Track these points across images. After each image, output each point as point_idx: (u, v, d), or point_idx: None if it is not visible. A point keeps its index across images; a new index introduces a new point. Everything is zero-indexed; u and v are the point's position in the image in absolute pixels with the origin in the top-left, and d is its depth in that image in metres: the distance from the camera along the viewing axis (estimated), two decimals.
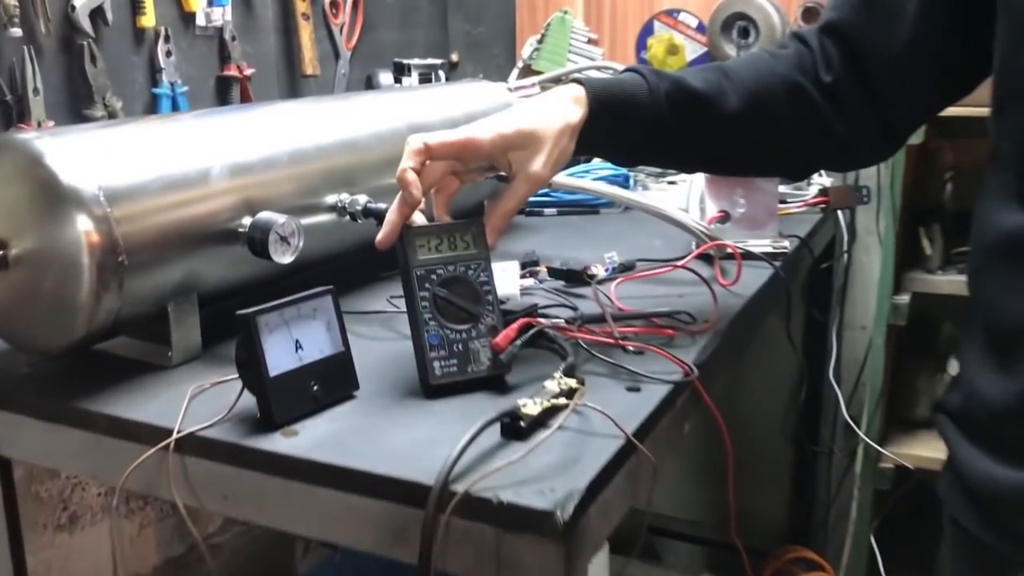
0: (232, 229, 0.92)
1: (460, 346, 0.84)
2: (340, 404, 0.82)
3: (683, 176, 1.67)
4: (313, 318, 0.81)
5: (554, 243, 1.35)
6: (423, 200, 0.85)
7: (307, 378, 0.80)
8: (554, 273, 1.15)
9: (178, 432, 0.77)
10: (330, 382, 0.81)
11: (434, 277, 0.84)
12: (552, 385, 0.80)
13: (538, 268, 1.17)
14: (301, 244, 0.94)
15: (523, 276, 1.15)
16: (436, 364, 0.83)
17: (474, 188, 0.95)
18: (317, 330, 0.82)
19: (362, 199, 1.05)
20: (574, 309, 1.03)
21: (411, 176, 0.83)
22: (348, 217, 1.05)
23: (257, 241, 0.91)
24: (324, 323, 0.82)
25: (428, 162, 0.85)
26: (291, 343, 0.79)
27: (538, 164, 0.86)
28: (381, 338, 0.99)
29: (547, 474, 0.69)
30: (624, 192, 1.26)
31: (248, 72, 1.53)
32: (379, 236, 0.84)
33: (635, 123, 0.90)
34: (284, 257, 0.93)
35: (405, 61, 1.63)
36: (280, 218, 0.92)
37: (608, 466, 0.72)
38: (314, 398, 0.80)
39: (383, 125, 1.15)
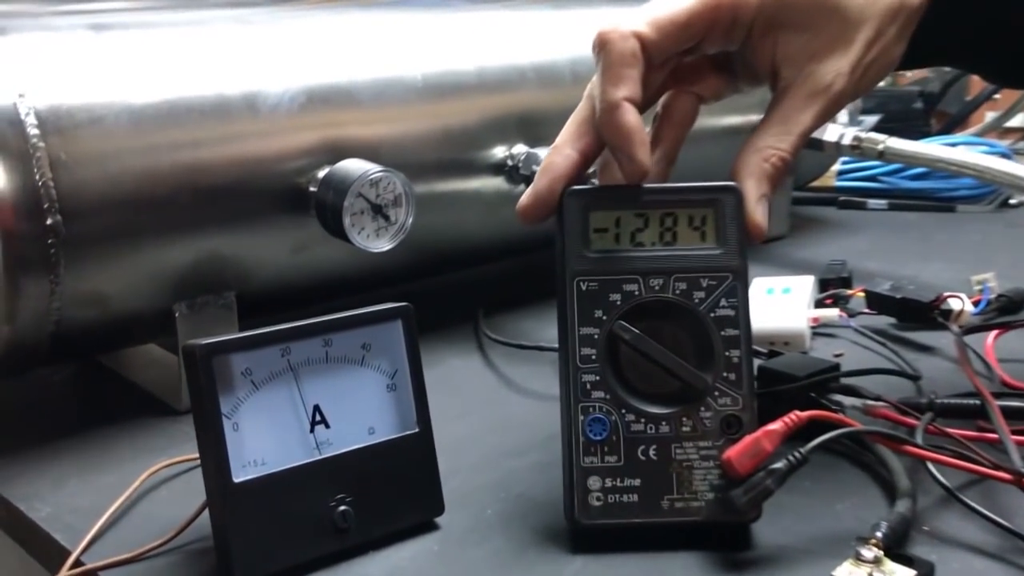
0: (301, 188, 0.54)
1: (652, 451, 0.40)
2: (395, 543, 0.41)
3: None
4: (358, 364, 0.40)
5: (881, 253, 0.84)
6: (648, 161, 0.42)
7: (326, 488, 0.39)
8: (878, 302, 0.66)
9: (71, 567, 0.39)
10: (379, 497, 0.40)
11: (616, 298, 0.40)
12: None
13: (849, 292, 0.69)
14: (410, 220, 0.54)
15: (822, 303, 0.68)
16: (594, 483, 0.39)
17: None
18: (364, 389, 0.40)
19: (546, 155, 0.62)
20: (914, 378, 0.55)
21: (632, 118, 0.40)
22: (523, 184, 0.63)
23: (327, 208, 0.52)
24: (381, 376, 0.41)
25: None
26: (298, 413, 0.39)
27: (840, 64, 0.42)
28: (538, 395, 0.56)
29: None
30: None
31: None
32: (523, 199, 0.42)
33: None
34: (376, 241, 0.53)
35: None
36: (371, 170, 0.52)
37: None
38: (337, 529, 0.39)
39: None
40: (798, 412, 0.40)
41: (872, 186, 1.03)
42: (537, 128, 0.65)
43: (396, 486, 0.40)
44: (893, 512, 0.39)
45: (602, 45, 0.41)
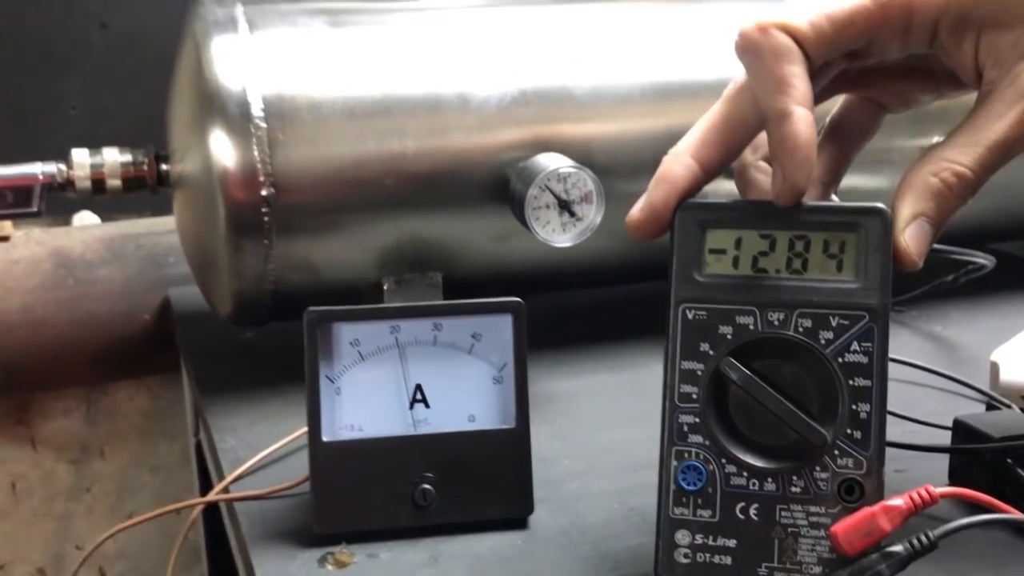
0: (506, 179, 0.56)
1: (753, 510, 0.36)
2: (474, 533, 0.41)
3: None
4: (466, 352, 0.41)
5: None
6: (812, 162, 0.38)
7: (413, 465, 0.41)
8: None
9: (218, 492, 0.45)
10: (466, 484, 0.41)
11: (727, 331, 0.37)
12: None
13: None
14: (598, 219, 0.53)
15: None
16: (683, 538, 0.37)
17: None
18: (469, 377, 0.41)
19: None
20: None
21: (804, 130, 0.35)
22: None
23: (516, 199, 0.53)
24: (488, 367, 0.42)
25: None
26: (400, 389, 0.41)
27: None
28: None
29: None
30: None
31: None
32: (634, 211, 0.39)
33: None
34: (560, 235, 0.53)
35: None
36: (560, 165, 0.52)
37: None
38: (415, 505, 0.41)
39: None
40: (930, 488, 0.34)
41: None
42: None
43: (485, 477, 0.41)
44: None
45: (751, 45, 0.36)
